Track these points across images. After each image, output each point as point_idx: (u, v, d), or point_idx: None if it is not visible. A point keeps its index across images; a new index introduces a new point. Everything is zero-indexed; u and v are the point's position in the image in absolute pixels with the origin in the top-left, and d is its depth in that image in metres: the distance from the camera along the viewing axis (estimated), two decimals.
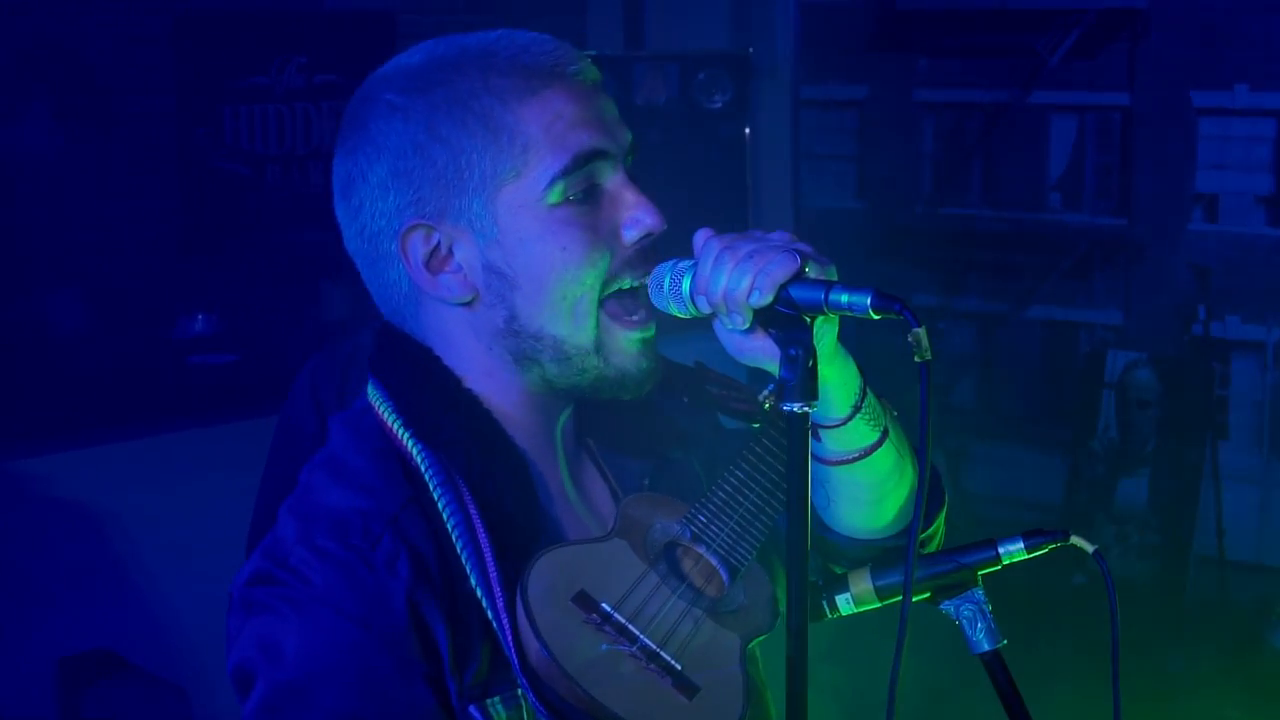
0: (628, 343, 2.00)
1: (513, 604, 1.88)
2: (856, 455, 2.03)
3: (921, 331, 1.77)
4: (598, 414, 2.13)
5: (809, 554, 2.10)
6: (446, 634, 1.88)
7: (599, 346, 1.99)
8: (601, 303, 1.98)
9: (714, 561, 2.04)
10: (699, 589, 2.01)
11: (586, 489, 2.12)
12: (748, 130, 7.60)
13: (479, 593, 1.89)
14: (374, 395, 2.04)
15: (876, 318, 1.79)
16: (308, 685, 1.82)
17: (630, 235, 1.99)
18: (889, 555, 2.12)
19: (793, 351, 1.82)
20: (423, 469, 1.96)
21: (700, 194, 7.27)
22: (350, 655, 1.83)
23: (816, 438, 2.03)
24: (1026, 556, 2.08)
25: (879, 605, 2.10)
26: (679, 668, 1.92)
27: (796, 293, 1.83)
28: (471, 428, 1.99)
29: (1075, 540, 2.05)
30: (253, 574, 1.90)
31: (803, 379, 1.81)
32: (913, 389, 2.58)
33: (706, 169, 7.57)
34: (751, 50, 7.78)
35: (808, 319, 1.83)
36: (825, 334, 1.89)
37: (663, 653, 1.92)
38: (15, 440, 5.43)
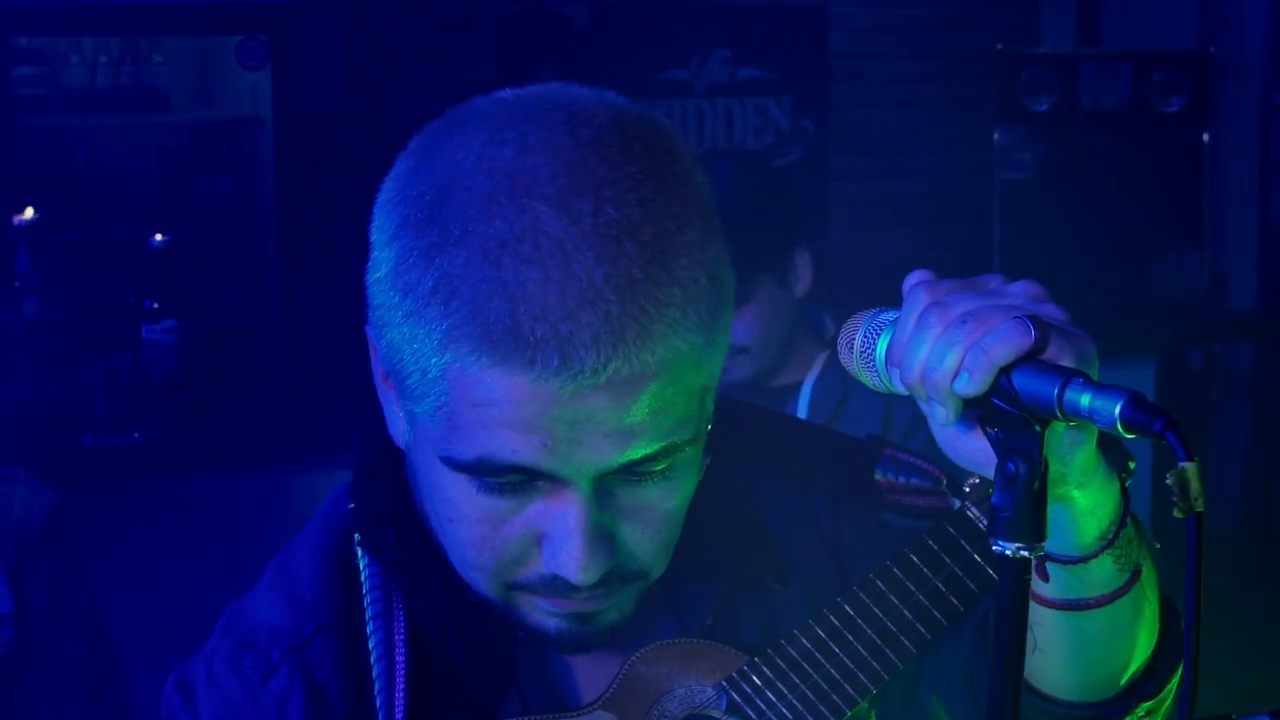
0: (548, 617, 1.52)
1: None
2: (1093, 602, 1.46)
3: (1191, 469, 1.20)
4: None
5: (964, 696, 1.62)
6: None
7: (510, 609, 1.53)
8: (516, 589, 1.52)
9: None
10: None
11: (634, 630, 1.62)
12: (1206, 137, 7.12)
13: None
14: None
15: (1129, 437, 1.24)
16: None
17: (545, 565, 1.48)
18: None
19: (1011, 469, 1.29)
20: (364, 590, 1.58)
21: (1149, 207, 6.80)
22: None
23: (1041, 574, 1.49)
24: None
25: None
26: None
27: (1021, 382, 1.29)
28: (424, 550, 1.57)
29: None
30: (166, 692, 1.61)
31: (1022, 509, 1.28)
32: None
33: (1157, 179, 7.04)
34: (1214, 49, 7.31)
35: (1037, 425, 1.30)
36: (1076, 446, 1.34)
37: None
38: None
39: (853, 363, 1.40)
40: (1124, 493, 1.42)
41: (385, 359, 1.48)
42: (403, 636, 1.55)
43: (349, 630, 1.57)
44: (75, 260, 5.48)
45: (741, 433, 1.61)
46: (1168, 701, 1.62)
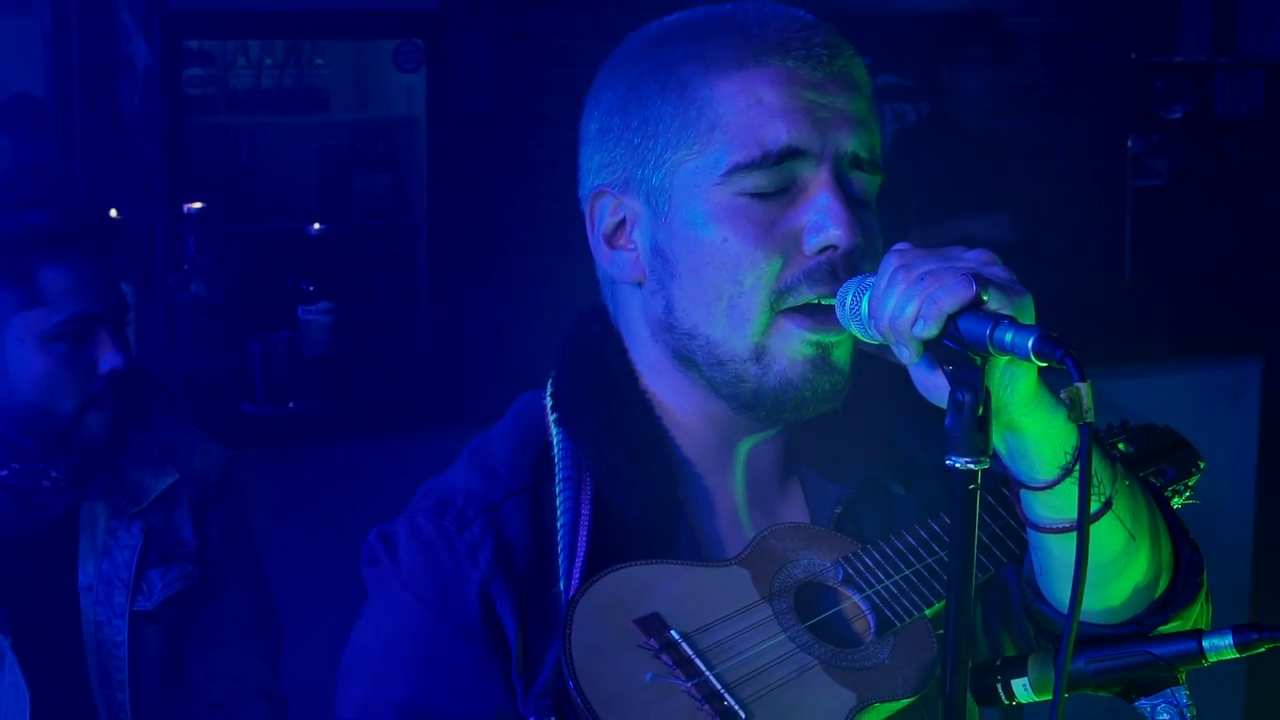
0: (800, 346, 1.77)
1: None
2: (1067, 525, 1.71)
3: (1084, 388, 1.50)
4: (810, 434, 1.91)
5: (1023, 623, 1.86)
6: (517, 634, 1.77)
7: (760, 354, 1.78)
8: (780, 313, 1.77)
9: (864, 608, 1.78)
10: (828, 636, 1.75)
11: (780, 517, 1.88)
12: None
13: (564, 599, 1.75)
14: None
15: (1040, 364, 1.54)
16: (383, 674, 1.79)
17: (810, 244, 1.76)
18: (1100, 639, 1.79)
19: (960, 396, 1.57)
20: (556, 460, 1.84)
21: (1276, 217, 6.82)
22: (427, 645, 1.78)
23: (1017, 498, 1.73)
24: (1235, 656, 1.73)
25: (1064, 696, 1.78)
26: (742, 715, 1.66)
27: (964, 326, 1.57)
28: (619, 423, 1.84)
29: None
30: (370, 542, 1.86)
31: (968, 430, 1.56)
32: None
33: None
34: None
35: (978, 359, 1.56)
36: (1014, 379, 1.61)
37: (727, 694, 1.67)
38: None
39: (846, 318, 1.69)
40: (1084, 430, 1.65)
41: (624, 182, 1.82)
42: (588, 497, 1.81)
43: (537, 497, 1.83)
44: (239, 247, 5.77)
45: (878, 378, 1.85)
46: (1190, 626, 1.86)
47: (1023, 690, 1.80)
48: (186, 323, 4.04)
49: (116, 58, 6.25)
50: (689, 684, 1.66)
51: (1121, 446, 2.10)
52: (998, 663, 1.82)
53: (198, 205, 4.12)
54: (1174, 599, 1.81)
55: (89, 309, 2.83)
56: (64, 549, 2.89)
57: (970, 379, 1.56)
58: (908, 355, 1.62)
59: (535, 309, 5.39)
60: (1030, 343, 1.52)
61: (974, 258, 1.63)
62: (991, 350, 1.55)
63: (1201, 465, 2.14)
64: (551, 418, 1.87)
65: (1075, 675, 1.78)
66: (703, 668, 1.68)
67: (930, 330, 1.58)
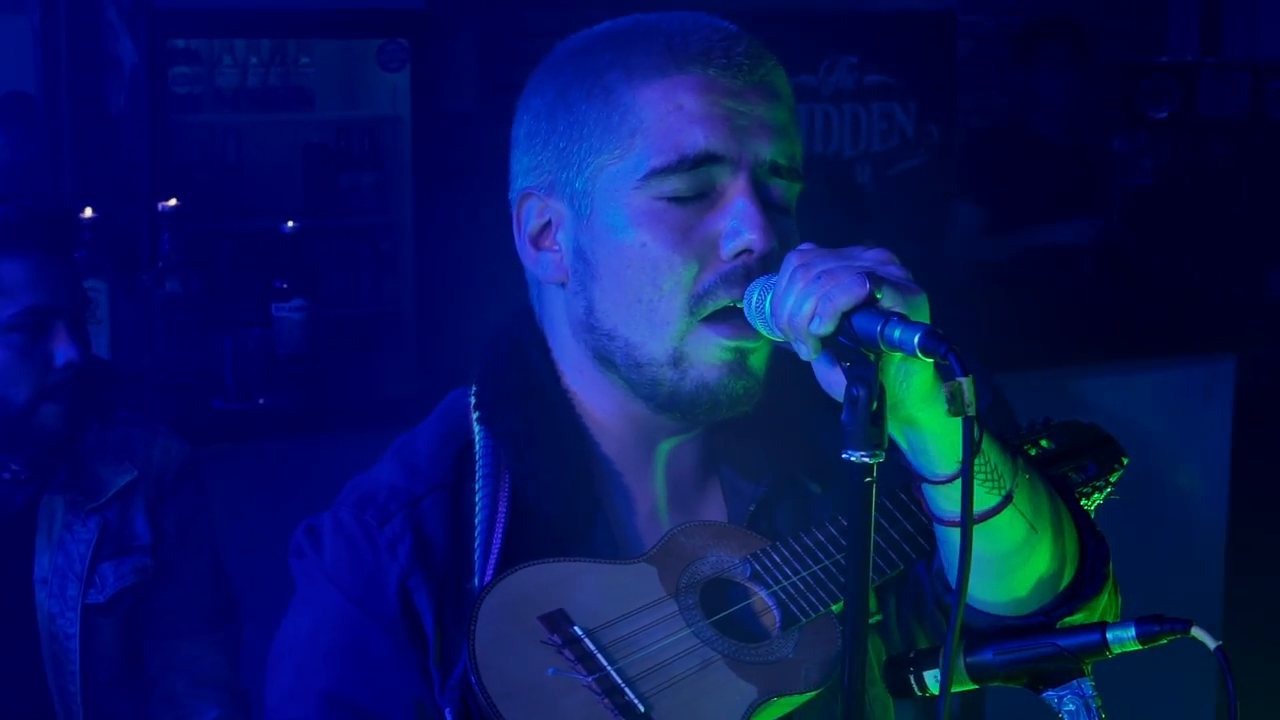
0: (718, 351, 1.81)
1: None
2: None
3: (966, 383, 1.54)
4: (731, 433, 1.94)
5: (936, 616, 1.89)
6: (434, 626, 1.80)
7: (677, 359, 1.81)
8: (699, 320, 1.81)
9: (770, 603, 1.81)
10: (734, 631, 1.78)
11: (698, 515, 1.92)
12: None
13: (477, 594, 1.78)
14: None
15: (926, 360, 1.58)
16: (307, 664, 1.83)
17: (727, 248, 1.80)
18: (1008, 631, 1.83)
19: (854, 391, 1.61)
20: (477, 457, 1.88)
21: (1265, 214, 6.85)
22: (348, 637, 1.81)
23: (920, 493, 1.77)
24: (1138, 647, 1.76)
25: (974, 687, 1.82)
26: (641, 709, 1.69)
27: (858, 323, 1.61)
28: (539, 422, 1.88)
29: (1196, 633, 1.72)
30: (296, 536, 1.89)
31: (862, 424, 1.59)
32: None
33: (1274, 187, 7.08)
34: None
35: (872, 355, 1.61)
36: (909, 375, 1.64)
37: (628, 689, 1.70)
38: None
39: (753, 317, 1.73)
40: (983, 425, 1.69)
41: (549, 185, 1.86)
42: (506, 495, 1.85)
43: (457, 493, 1.86)
44: (220, 245, 5.81)
45: (802, 376, 1.82)
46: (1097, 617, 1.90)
47: (934, 682, 1.83)
48: (162, 319, 4.08)
49: (103, 56, 6.29)
50: (590, 679, 1.69)
51: (1044, 443, 2.12)
52: (911, 655, 1.85)
53: (172, 203, 4.14)
54: (1080, 590, 1.84)
55: (45, 301, 2.87)
56: (22, 542, 2.93)
57: (865, 374, 1.60)
58: (806, 352, 1.66)
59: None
60: (917, 339, 1.56)
61: (872, 257, 1.66)
62: (882, 346, 1.59)
63: (1125, 461, 2.17)
64: (474, 415, 1.91)
65: (983, 667, 1.82)
66: (604, 663, 1.71)
67: (826, 327, 1.61)
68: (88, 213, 4.00)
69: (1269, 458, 5.55)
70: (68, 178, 6.31)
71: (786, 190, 1.84)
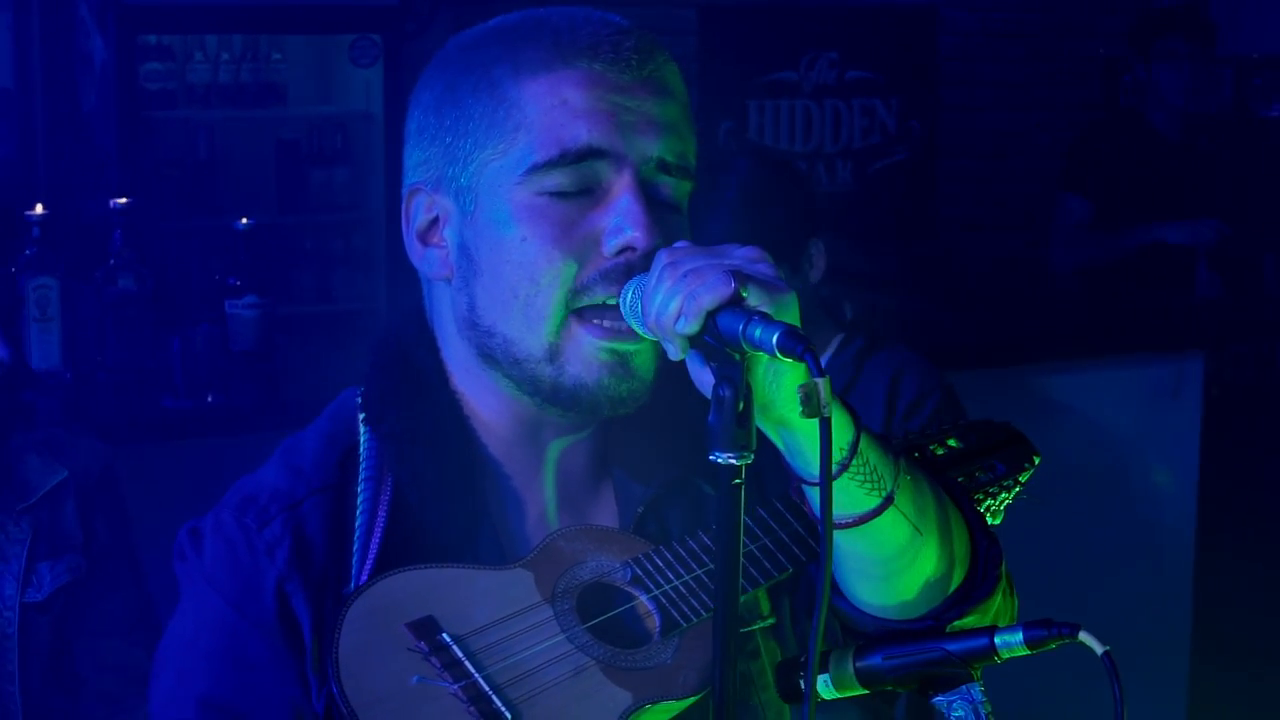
0: (592, 351, 1.78)
1: None
2: (850, 521, 1.72)
3: (822, 383, 1.51)
4: (624, 434, 1.92)
5: (830, 621, 1.86)
6: (312, 630, 1.79)
7: (553, 354, 1.79)
8: (573, 313, 1.79)
9: (651, 608, 1.78)
10: (611, 637, 1.76)
11: (590, 519, 1.90)
12: None
13: None
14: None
15: (785, 360, 1.56)
16: (187, 667, 1.82)
17: (609, 245, 1.77)
18: (898, 635, 1.80)
19: (720, 392, 1.58)
20: (361, 459, 1.86)
21: (1249, 209, 6.80)
22: (226, 640, 1.80)
23: (801, 495, 1.75)
24: (1026, 653, 1.74)
25: (863, 692, 1.79)
26: (507, 716, 1.66)
27: (723, 322, 1.59)
28: (424, 424, 1.86)
29: (1084, 638, 1.70)
30: (180, 537, 1.87)
31: (729, 425, 1.57)
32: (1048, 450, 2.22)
33: (1255, 181, 7.04)
34: None
35: (737, 355, 1.58)
36: (778, 375, 1.62)
37: (495, 696, 1.67)
38: None
39: (628, 316, 1.72)
40: (857, 426, 1.68)
41: (436, 181, 1.83)
42: (387, 498, 1.83)
43: (340, 496, 1.84)
44: (182, 242, 5.79)
45: None
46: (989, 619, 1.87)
47: (824, 686, 1.81)
48: (113, 317, 4.06)
49: (75, 53, 6.27)
50: (456, 686, 1.67)
51: (951, 442, 2.10)
52: (801, 659, 1.83)
53: (123, 200, 4.12)
54: (971, 592, 1.81)
55: None
56: None
57: (731, 375, 1.57)
58: (674, 351, 1.64)
59: None
60: (775, 338, 1.53)
61: (742, 255, 1.64)
62: (745, 346, 1.56)
63: (1036, 460, 2.15)
64: (360, 416, 1.88)
65: (871, 671, 1.79)
66: (472, 670, 1.68)
67: (691, 327, 1.59)
68: (38, 209, 3.97)
69: (1238, 455, 5.53)
70: (42, 174, 6.29)
71: (676, 188, 1.82)
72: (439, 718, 1.65)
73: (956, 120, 7.91)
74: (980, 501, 2.04)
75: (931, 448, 2.06)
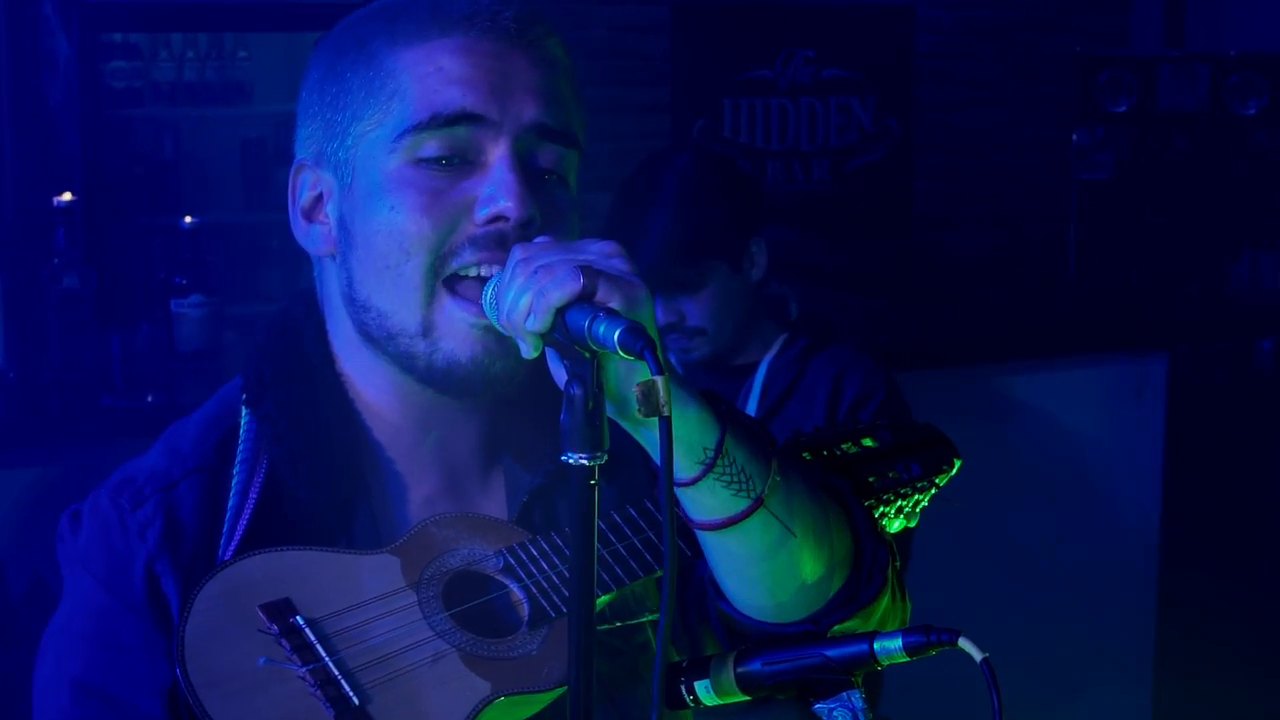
0: (461, 326, 1.76)
1: None
2: (717, 523, 1.69)
3: (660, 381, 1.48)
4: (515, 422, 1.89)
5: (718, 622, 1.84)
6: (180, 614, 1.75)
7: (427, 329, 1.76)
8: (444, 284, 1.76)
9: (521, 598, 1.75)
10: (477, 626, 1.72)
11: (477, 506, 1.86)
12: None
13: None
14: None
15: (627, 358, 1.52)
16: (63, 650, 1.81)
17: (480, 214, 1.75)
18: (780, 640, 1.77)
19: (571, 390, 1.55)
20: (240, 440, 1.84)
21: (1225, 209, 6.79)
22: (98, 622, 1.80)
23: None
24: (906, 659, 1.71)
25: (745, 698, 1.76)
26: (355, 701, 1.63)
27: (571, 319, 1.55)
28: (304, 406, 1.84)
29: (964, 644, 1.67)
30: (61, 520, 1.87)
31: (579, 425, 1.54)
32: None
33: (1234, 181, 7.01)
34: None
35: (587, 354, 1.55)
36: (637, 372, 1.57)
37: (344, 681, 1.64)
38: None
39: (489, 313, 1.68)
40: (722, 427, 1.65)
41: (317, 156, 1.82)
42: (260, 479, 1.81)
43: (216, 477, 1.82)
44: (136, 240, 5.76)
45: None
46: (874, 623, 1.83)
47: (705, 692, 1.78)
48: (57, 316, 4.03)
49: (40, 51, 6.25)
50: (304, 669, 1.64)
51: (866, 441, 2.06)
52: (682, 664, 1.80)
53: (67, 197, 4.09)
54: (855, 595, 1.78)
55: None
56: None
57: (582, 373, 1.55)
58: (526, 349, 1.61)
59: None
60: (617, 335, 1.50)
61: (596, 250, 1.61)
62: (590, 341, 1.54)
63: (957, 463, 2.11)
64: (241, 398, 1.86)
65: (751, 677, 1.76)
66: (323, 653, 1.65)
67: (541, 324, 1.56)
68: None
69: (1202, 455, 5.50)
70: (10, 172, 6.27)
71: (560, 157, 1.79)
72: (285, 701, 1.62)
73: (933, 118, 7.87)
74: (892, 502, 2.01)
75: (844, 446, 2.03)
